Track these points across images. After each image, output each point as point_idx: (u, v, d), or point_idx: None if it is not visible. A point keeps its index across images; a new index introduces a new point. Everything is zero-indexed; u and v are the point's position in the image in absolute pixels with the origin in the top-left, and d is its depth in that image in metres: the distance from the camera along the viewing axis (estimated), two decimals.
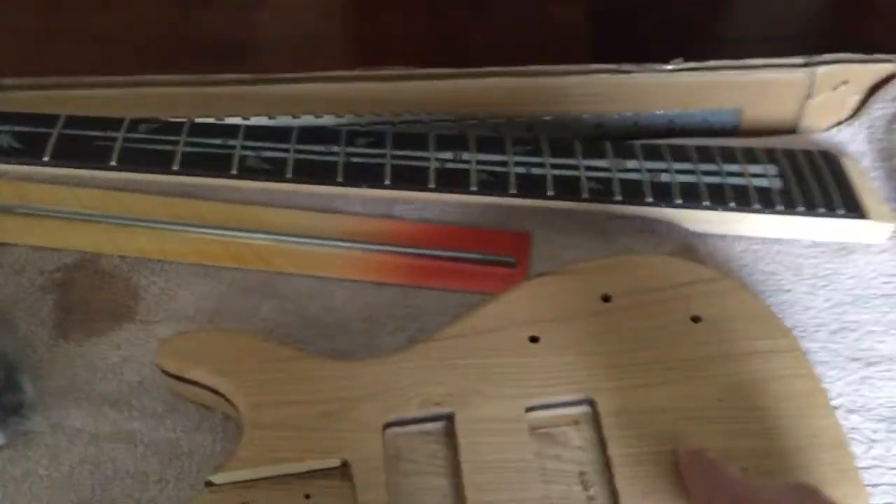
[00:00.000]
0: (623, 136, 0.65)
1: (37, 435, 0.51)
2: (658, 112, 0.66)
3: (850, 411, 0.52)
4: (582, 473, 0.48)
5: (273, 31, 1.06)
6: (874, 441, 0.51)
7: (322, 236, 0.60)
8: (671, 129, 0.68)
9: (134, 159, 0.56)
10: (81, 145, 0.57)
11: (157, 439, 0.51)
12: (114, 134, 0.57)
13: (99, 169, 0.56)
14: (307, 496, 0.46)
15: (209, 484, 0.46)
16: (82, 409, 0.52)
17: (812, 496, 0.39)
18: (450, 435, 0.48)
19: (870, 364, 0.55)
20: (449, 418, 0.48)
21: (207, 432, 0.52)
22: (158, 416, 0.52)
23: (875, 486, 0.49)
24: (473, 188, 0.58)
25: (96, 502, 0.49)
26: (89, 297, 0.57)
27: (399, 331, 0.56)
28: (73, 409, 0.52)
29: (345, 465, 0.47)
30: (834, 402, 0.52)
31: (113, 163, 0.56)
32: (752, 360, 0.49)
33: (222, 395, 0.50)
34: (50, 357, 0.54)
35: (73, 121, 0.57)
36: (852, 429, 0.52)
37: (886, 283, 0.59)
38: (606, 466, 0.47)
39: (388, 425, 0.48)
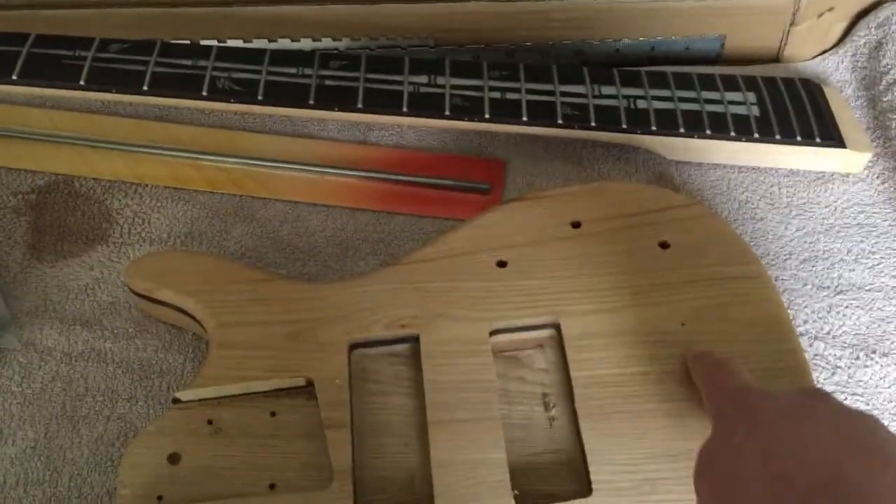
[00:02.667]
0: (604, 64, 0.64)
1: (10, 353, 0.52)
2: (639, 39, 0.65)
3: (816, 338, 0.53)
4: (545, 395, 0.48)
5: None
6: (837, 367, 0.51)
7: (296, 161, 0.60)
8: (653, 58, 0.66)
9: (103, 79, 0.56)
10: (51, 64, 0.56)
11: (128, 358, 0.52)
12: (83, 53, 0.56)
13: (68, 88, 0.56)
14: (273, 414, 0.47)
15: (176, 401, 0.47)
16: (54, 328, 0.53)
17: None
18: (415, 356, 0.48)
19: (838, 292, 0.54)
20: (414, 340, 0.48)
21: (178, 352, 0.52)
22: (130, 336, 0.53)
23: None
24: (447, 112, 0.57)
25: (67, 418, 0.50)
26: (63, 219, 0.57)
27: (371, 255, 0.56)
28: (46, 329, 0.53)
29: (309, 384, 0.47)
30: (800, 329, 0.53)
31: (82, 82, 0.55)
32: (717, 285, 0.49)
33: (190, 315, 0.50)
34: (23, 277, 0.55)
35: (42, 40, 0.57)
36: (816, 355, 0.52)
37: (861, 212, 0.58)
38: (568, 388, 0.47)
39: (354, 346, 0.48)
